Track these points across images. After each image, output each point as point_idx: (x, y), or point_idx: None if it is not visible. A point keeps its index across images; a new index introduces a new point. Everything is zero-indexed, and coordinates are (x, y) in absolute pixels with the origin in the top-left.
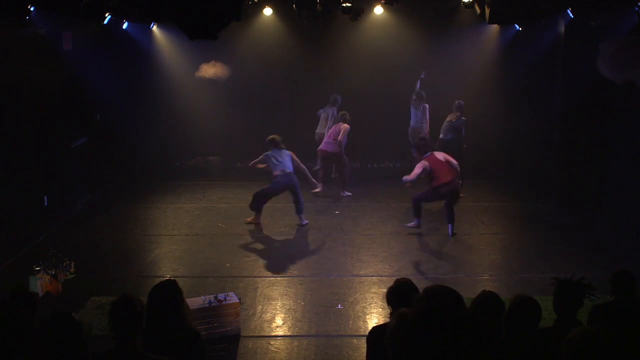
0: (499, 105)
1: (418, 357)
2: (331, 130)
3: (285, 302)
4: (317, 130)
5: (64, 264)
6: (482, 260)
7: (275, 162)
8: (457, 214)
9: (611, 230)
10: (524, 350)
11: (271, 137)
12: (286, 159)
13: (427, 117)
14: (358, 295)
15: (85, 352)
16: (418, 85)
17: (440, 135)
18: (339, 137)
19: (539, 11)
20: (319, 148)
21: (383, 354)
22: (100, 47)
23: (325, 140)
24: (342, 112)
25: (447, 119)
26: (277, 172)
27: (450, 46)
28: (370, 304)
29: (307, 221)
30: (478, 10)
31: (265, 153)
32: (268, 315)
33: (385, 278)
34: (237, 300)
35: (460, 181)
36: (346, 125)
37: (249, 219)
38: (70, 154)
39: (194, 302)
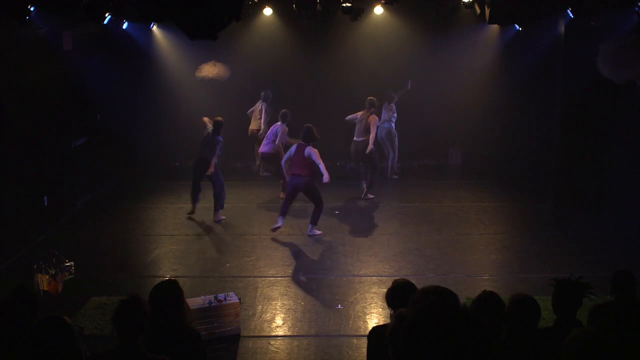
0: (499, 106)
1: (417, 357)
2: (270, 131)
3: (285, 302)
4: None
5: (64, 265)
6: (482, 260)
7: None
8: (458, 214)
9: (611, 230)
10: (524, 350)
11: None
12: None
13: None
14: (358, 295)
15: (79, 355)
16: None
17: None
18: (277, 139)
19: (539, 11)
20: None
21: (383, 354)
22: (100, 47)
23: (264, 142)
24: (282, 111)
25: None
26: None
27: (450, 46)
28: (370, 304)
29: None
30: (478, 10)
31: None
32: (268, 315)
33: (385, 278)
34: (237, 300)
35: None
36: (285, 128)
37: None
38: (70, 154)
39: (194, 302)
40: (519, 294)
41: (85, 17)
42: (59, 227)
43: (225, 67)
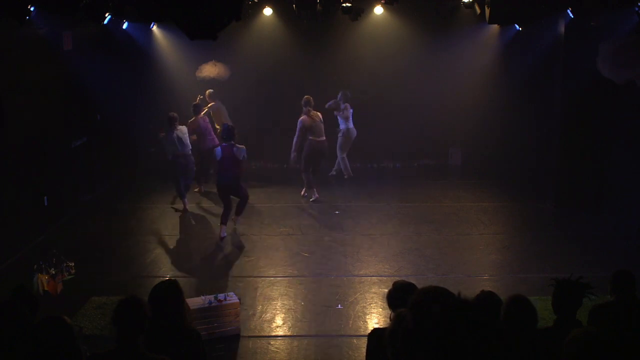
0: (499, 106)
1: (417, 357)
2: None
3: (285, 302)
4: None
5: (64, 265)
6: (482, 260)
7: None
8: (458, 214)
9: (611, 230)
10: (524, 350)
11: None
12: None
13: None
14: (358, 295)
15: (79, 355)
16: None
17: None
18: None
19: (539, 11)
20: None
21: (383, 356)
22: (100, 47)
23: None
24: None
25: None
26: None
27: (450, 46)
28: (370, 304)
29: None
30: (478, 10)
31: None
32: (268, 315)
33: (385, 278)
34: (237, 300)
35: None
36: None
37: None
38: (70, 154)
39: (194, 302)
40: (513, 295)
41: (85, 17)
42: (59, 227)
43: (225, 67)
